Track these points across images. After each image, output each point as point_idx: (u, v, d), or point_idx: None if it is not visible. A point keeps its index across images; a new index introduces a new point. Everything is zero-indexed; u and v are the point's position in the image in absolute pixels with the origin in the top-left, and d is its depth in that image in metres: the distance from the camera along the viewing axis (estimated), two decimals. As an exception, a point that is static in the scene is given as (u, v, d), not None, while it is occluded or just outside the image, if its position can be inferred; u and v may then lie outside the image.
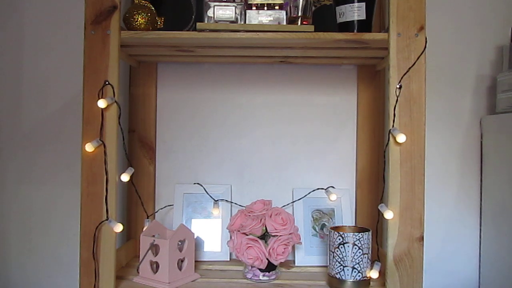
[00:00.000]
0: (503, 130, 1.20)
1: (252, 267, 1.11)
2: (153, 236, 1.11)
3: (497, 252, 1.22)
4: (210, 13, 1.05)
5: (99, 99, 0.99)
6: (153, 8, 1.08)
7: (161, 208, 1.33)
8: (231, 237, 1.14)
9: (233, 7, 1.04)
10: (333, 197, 1.24)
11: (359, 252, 1.04)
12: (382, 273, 1.06)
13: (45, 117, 1.35)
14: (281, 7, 1.05)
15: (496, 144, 1.24)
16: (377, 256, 1.15)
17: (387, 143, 1.00)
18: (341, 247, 1.05)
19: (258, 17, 1.04)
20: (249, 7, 1.05)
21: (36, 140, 1.35)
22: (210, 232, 1.28)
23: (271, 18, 1.04)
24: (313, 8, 1.20)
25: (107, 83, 1.00)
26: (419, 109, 0.99)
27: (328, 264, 1.09)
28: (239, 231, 1.11)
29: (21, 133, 1.35)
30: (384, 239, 1.15)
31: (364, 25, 1.05)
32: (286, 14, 1.05)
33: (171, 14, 1.17)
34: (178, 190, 1.31)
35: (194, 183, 1.32)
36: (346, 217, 1.27)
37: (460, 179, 1.32)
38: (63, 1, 1.34)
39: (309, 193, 1.28)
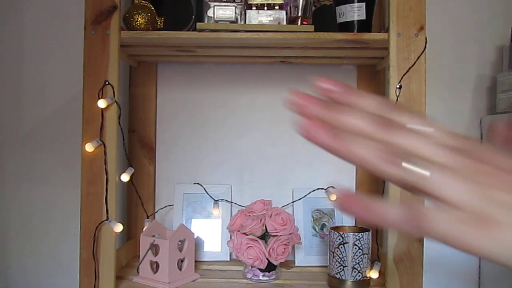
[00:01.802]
0: (503, 130, 1.20)
1: (252, 267, 1.11)
2: (153, 236, 1.11)
3: (497, 252, 1.22)
4: (210, 13, 1.05)
5: (99, 99, 0.99)
6: (153, 8, 1.08)
7: (161, 208, 1.32)
8: (231, 237, 1.14)
9: (233, 7, 1.04)
10: (333, 197, 1.24)
11: (359, 252, 1.04)
12: (382, 273, 1.06)
13: (45, 117, 1.35)
14: (281, 7, 1.05)
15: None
16: (377, 256, 1.15)
17: (387, 143, 1.00)
18: (341, 247, 1.05)
19: (258, 17, 1.04)
20: (249, 7, 1.05)
21: (36, 140, 1.35)
22: (210, 232, 1.28)
23: (271, 18, 1.04)
24: (313, 8, 1.20)
25: (107, 83, 1.00)
26: (419, 109, 0.99)
27: (328, 264, 1.09)
28: (239, 231, 1.11)
29: (21, 133, 1.35)
30: (384, 239, 1.15)
31: (364, 25, 1.05)
32: (286, 14, 1.05)
33: (171, 14, 1.17)
34: (178, 190, 1.31)
35: (194, 183, 1.32)
36: (346, 217, 1.27)
37: (460, 179, 1.32)
38: (63, 1, 1.34)
39: (309, 193, 1.28)
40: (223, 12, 1.03)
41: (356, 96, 0.32)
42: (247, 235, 1.10)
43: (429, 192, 0.29)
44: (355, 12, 1.04)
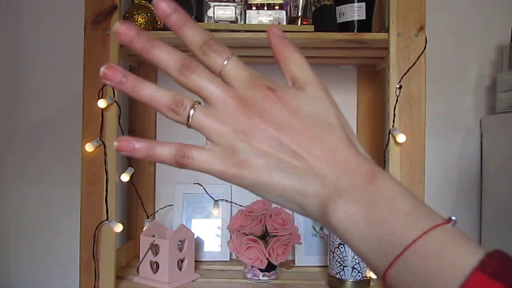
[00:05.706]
0: (503, 130, 1.20)
1: (252, 267, 1.11)
2: (153, 236, 1.11)
3: (497, 252, 1.22)
4: (210, 13, 1.05)
5: (99, 99, 0.99)
6: (153, 8, 1.08)
7: (161, 208, 1.32)
8: (231, 237, 1.14)
9: (233, 7, 1.04)
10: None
11: (359, 252, 1.04)
12: (382, 273, 1.06)
13: (45, 117, 1.35)
14: (281, 7, 1.05)
15: (496, 144, 1.24)
16: (377, 256, 1.15)
17: (387, 143, 1.00)
18: (341, 247, 1.05)
19: (258, 17, 1.04)
20: (249, 7, 1.05)
21: (35, 140, 1.35)
22: (210, 232, 1.28)
23: (271, 18, 1.04)
24: (313, 8, 1.20)
25: (107, 83, 1.00)
26: (419, 109, 0.99)
27: (328, 264, 1.09)
28: (239, 231, 1.11)
29: (20, 132, 1.35)
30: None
31: (364, 25, 1.05)
32: (286, 14, 1.05)
33: (171, 14, 1.17)
34: (178, 190, 1.31)
35: (194, 183, 1.32)
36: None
37: (460, 179, 1.32)
38: (63, 1, 1.34)
39: (309, 193, 1.28)
40: (223, 12, 1.03)
41: (187, 23, 0.37)
42: (247, 235, 1.10)
43: (197, 129, 0.37)
44: (355, 12, 1.04)
